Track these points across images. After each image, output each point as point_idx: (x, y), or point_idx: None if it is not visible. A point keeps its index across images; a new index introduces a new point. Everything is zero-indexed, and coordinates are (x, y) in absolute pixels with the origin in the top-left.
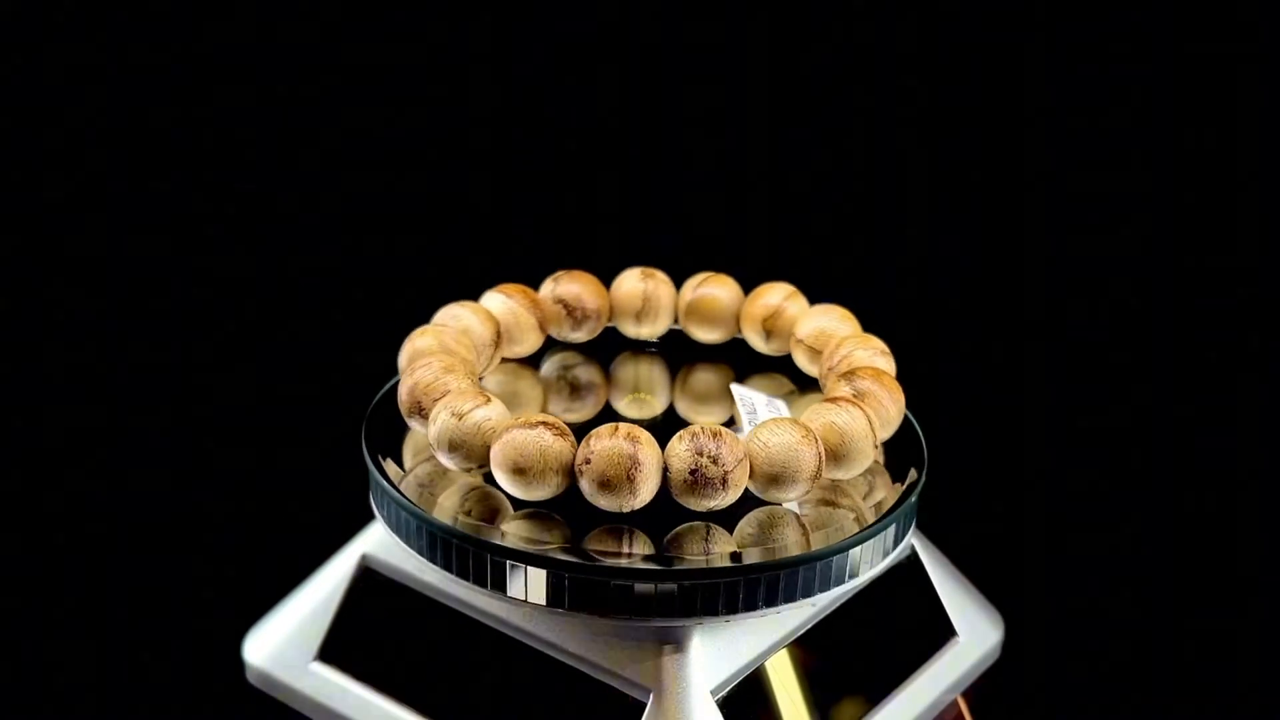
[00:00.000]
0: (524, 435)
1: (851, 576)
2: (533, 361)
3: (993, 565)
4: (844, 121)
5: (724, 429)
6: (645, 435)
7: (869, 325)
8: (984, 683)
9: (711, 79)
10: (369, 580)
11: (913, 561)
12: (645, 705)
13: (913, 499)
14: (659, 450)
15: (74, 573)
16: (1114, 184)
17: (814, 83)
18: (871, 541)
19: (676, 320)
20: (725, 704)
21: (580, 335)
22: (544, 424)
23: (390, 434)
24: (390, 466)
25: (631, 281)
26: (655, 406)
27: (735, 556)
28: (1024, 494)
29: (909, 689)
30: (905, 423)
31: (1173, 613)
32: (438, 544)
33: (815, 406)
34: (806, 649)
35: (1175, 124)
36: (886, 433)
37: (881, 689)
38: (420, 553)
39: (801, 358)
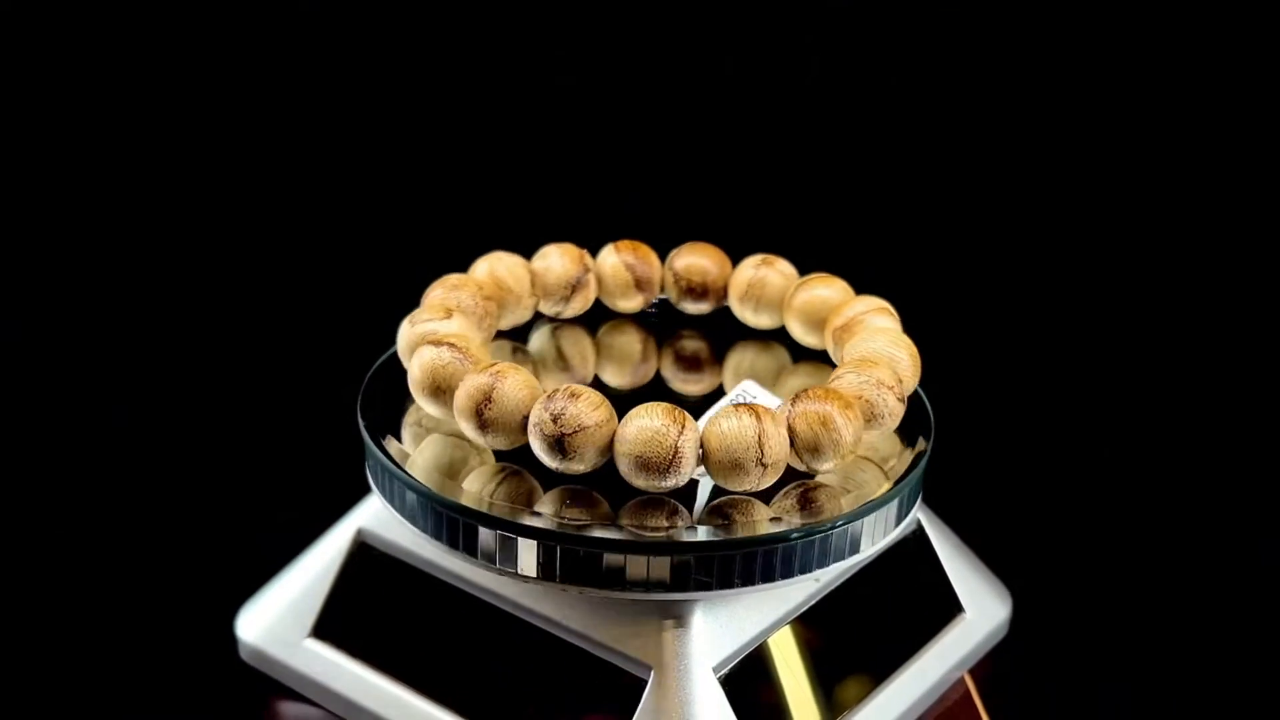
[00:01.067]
0: (429, 351)
1: (856, 551)
2: (657, 326)
3: (1000, 540)
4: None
5: (591, 393)
6: (519, 379)
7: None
8: (992, 660)
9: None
10: (364, 555)
11: (919, 536)
12: (646, 682)
13: (919, 471)
14: (533, 396)
15: (63, 549)
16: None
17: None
18: (876, 515)
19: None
20: (727, 681)
21: (688, 307)
22: (450, 345)
23: (387, 406)
24: (386, 439)
25: (747, 267)
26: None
27: (738, 530)
28: (1033, 468)
29: (914, 667)
30: (913, 395)
31: (1183, 589)
32: (437, 518)
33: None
34: (810, 625)
35: (1192, 112)
36: (820, 462)
37: (886, 667)
38: (417, 527)
39: None
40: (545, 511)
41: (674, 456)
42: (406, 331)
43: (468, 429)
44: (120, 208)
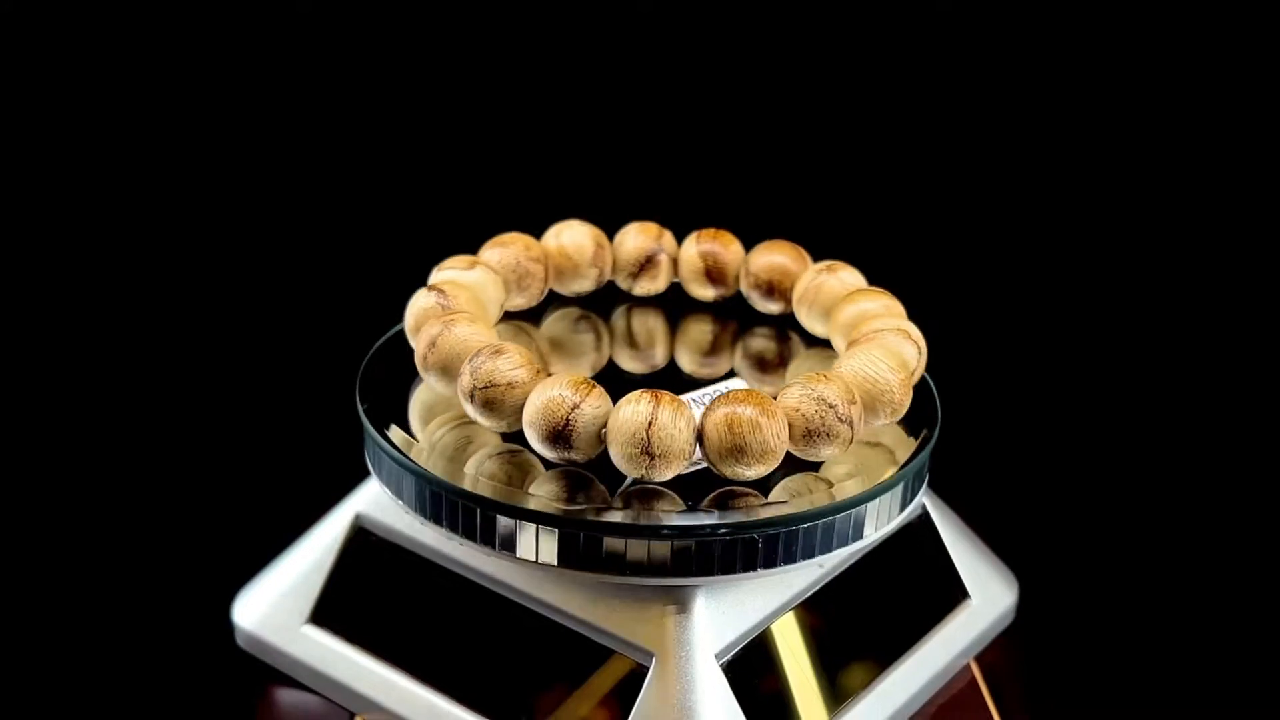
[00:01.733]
0: (421, 296)
1: (860, 536)
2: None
3: (1007, 526)
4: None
5: (518, 354)
6: (469, 330)
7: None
8: (998, 647)
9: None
10: (363, 540)
11: (924, 521)
12: (648, 669)
13: (924, 456)
14: (478, 349)
15: (60, 535)
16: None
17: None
18: (881, 500)
19: None
20: (730, 668)
21: (759, 305)
22: (440, 291)
23: (385, 389)
24: (384, 423)
25: (811, 271)
26: None
27: (739, 514)
28: (1040, 454)
29: (920, 653)
30: (919, 381)
31: (1189, 575)
32: (436, 503)
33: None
34: (814, 612)
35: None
36: (735, 468)
37: (891, 653)
38: (416, 511)
39: None
40: (543, 495)
41: (566, 427)
42: (432, 277)
43: (423, 374)
44: (127, 191)
